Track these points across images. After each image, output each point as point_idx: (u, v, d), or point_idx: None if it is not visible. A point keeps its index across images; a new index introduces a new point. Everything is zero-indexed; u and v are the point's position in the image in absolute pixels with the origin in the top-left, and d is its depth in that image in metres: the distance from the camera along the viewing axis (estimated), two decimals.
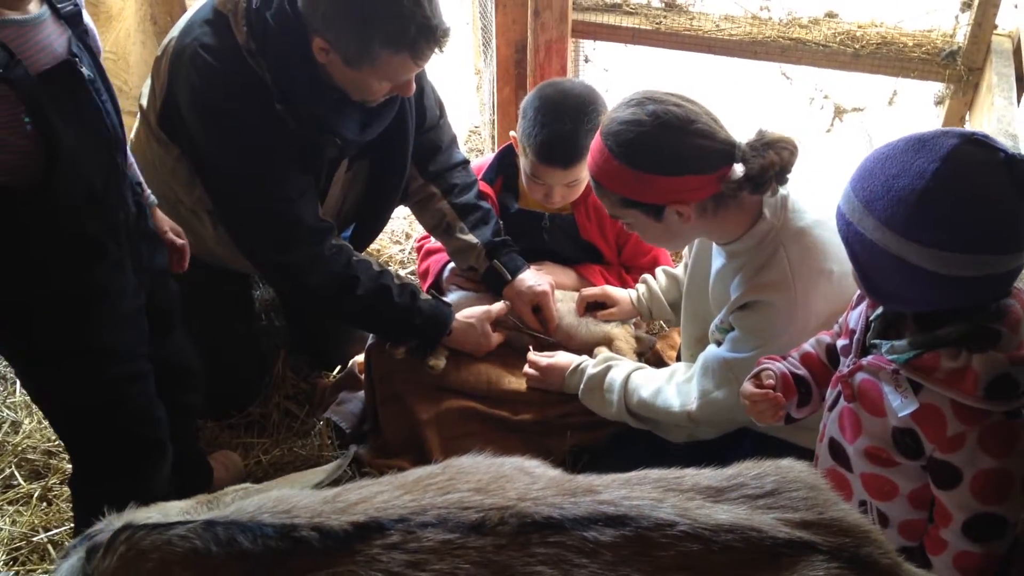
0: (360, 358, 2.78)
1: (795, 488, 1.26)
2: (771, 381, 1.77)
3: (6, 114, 1.67)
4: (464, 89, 4.65)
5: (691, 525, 1.17)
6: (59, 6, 1.77)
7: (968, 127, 3.15)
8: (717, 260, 2.12)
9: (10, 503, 2.54)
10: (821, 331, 1.91)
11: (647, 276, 2.64)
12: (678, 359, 2.52)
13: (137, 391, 2.07)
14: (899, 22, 3.26)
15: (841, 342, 1.74)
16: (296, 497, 1.31)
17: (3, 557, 2.39)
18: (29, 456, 2.67)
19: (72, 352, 1.95)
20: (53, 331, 1.92)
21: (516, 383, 2.53)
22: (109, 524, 1.44)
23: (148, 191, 2.15)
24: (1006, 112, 2.71)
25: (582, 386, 2.38)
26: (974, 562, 1.54)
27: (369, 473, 2.53)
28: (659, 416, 2.24)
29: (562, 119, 2.45)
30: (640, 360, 2.56)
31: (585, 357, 2.46)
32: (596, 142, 1.97)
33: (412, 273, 3.32)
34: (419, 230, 3.39)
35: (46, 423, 2.76)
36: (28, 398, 2.84)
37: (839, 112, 3.42)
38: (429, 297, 2.50)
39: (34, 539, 2.43)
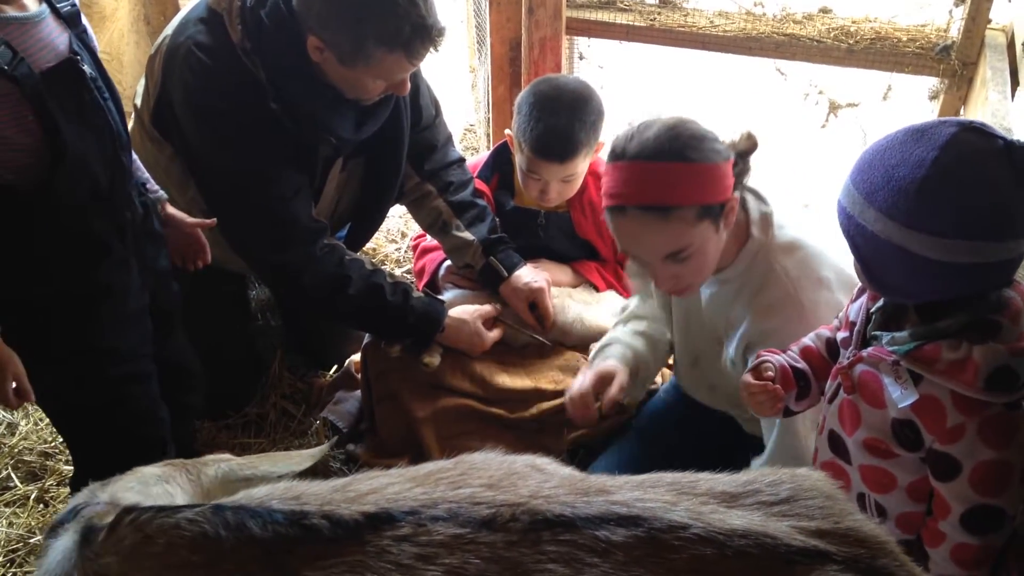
0: (356, 357, 2.78)
1: (811, 496, 1.24)
2: (770, 374, 1.76)
3: (11, 112, 1.68)
4: (459, 87, 4.65)
5: (705, 529, 1.16)
6: (58, 6, 1.77)
7: None
8: (705, 290, 2.06)
9: (7, 505, 2.53)
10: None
11: (612, 349, 2.33)
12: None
13: (140, 391, 2.07)
14: (893, 17, 3.26)
15: (841, 335, 1.75)
16: (305, 485, 1.31)
17: (0, 559, 2.38)
18: (26, 458, 2.67)
19: (76, 351, 1.95)
20: (57, 330, 1.92)
21: (512, 381, 2.53)
22: (94, 497, 1.43)
23: (155, 186, 2.14)
24: (1000, 106, 2.71)
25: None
26: (970, 554, 1.55)
27: None
28: None
29: (558, 113, 2.45)
30: None
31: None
32: (638, 170, 1.78)
33: (408, 272, 3.31)
34: (415, 229, 3.39)
35: (42, 425, 2.75)
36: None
37: (834, 108, 3.42)
38: (422, 295, 2.49)
39: (31, 541, 2.42)
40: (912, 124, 1.48)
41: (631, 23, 3.28)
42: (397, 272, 3.33)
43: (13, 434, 2.74)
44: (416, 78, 2.51)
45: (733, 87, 4.23)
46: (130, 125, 2.46)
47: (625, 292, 2.74)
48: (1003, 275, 1.46)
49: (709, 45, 3.25)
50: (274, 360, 2.91)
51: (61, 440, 2.70)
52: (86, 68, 1.78)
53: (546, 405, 2.48)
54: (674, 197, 1.78)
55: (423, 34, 2.09)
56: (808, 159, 3.86)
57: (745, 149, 1.92)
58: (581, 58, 3.53)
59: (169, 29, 2.28)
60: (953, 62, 3.05)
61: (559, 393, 2.45)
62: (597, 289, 2.74)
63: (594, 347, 2.51)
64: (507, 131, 2.64)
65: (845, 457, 1.67)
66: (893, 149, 1.46)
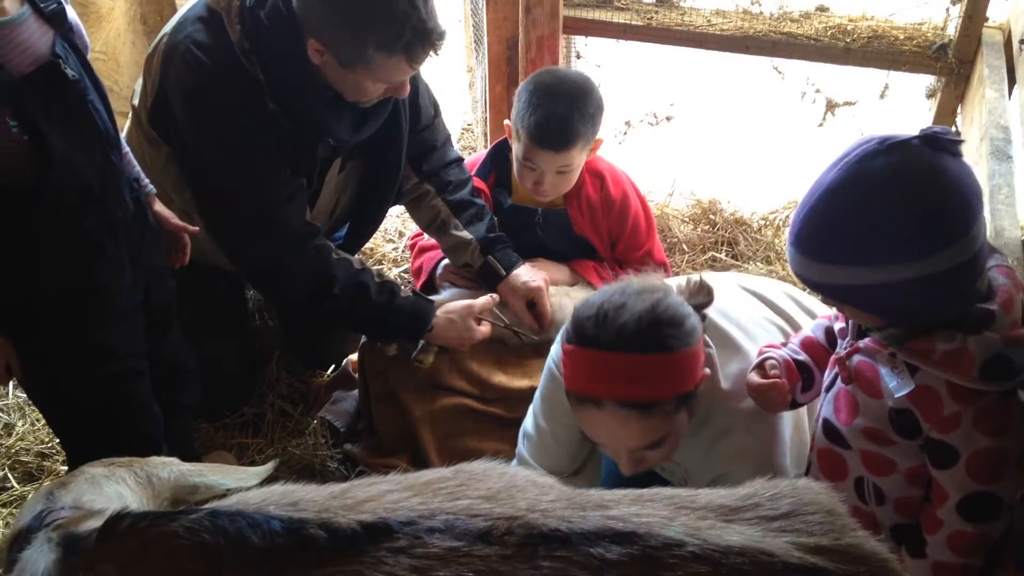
0: (354, 357, 2.78)
1: (811, 511, 1.22)
2: (776, 371, 1.77)
3: None
4: (456, 87, 4.65)
5: (700, 546, 1.14)
6: (41, 5, 1.74)
7: (960, 119, 3.16)
8: None
9: (3, 505, 2.53)
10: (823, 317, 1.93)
11: None
12: None
13: (133, 389, 2.06)
14: (890, 15, 3.27)
15: (838, 325, 1.76)
16: (303, 490, 1.30)
17: None
18: (22, 458, 2.66)
19: (68, 349, 1.94)
20: (50, 328, 1.92)
21: (509, 380, 2.53)
22: (54, 500, 1.41)
23: (147, 182, 2.13)
24: (997, 104, 2.71)
25: None
26: (966, 541, 1.56)
27: (364, 472, 2.53)
28: None
29: (557, 101, 2.45)
30: None
31: None
32: (617, 362, 1.62)
33: (405, 271, 3.31)
34: (412, 228, 3.39)
35: (39, 425, 2.75)
36: (21, 400, 2.83)
37: (831, 106, 3.42)
38: (410, 295, 2.48)
39: None
40: (823, 177, 1.48)
41: (628, 22, 3.28)
42: (394, 272, 3.33)
43: (10, 434, 2.74)
44: (415, 79, 2.51)
45: (730, 86, 4.23)
46: (127, 125, 2.46)
47: None
48: (975, 268, 1.46)
49: (706, 44, 3.26)
50: (271, 360, 2.91)
51: (58, 440, 2.70)
52: (68, 71, 1.75)
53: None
54: (658, 392, 1.64)
55: (424, 38, 2.08)
56: (805, 158, 3.86)
57: (702, 303, 1.76)
58: (578, 57, 3.53)
59: (167, 28, 2.28)
60: (950, 60, 3.05)
61: None
62: (594, 287, 2.73)
63: None
64: (506, 121, 2.63)
65: (842, 443, 1.68)
66: (827, 206, 1.46)
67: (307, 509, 1.23)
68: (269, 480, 1.67)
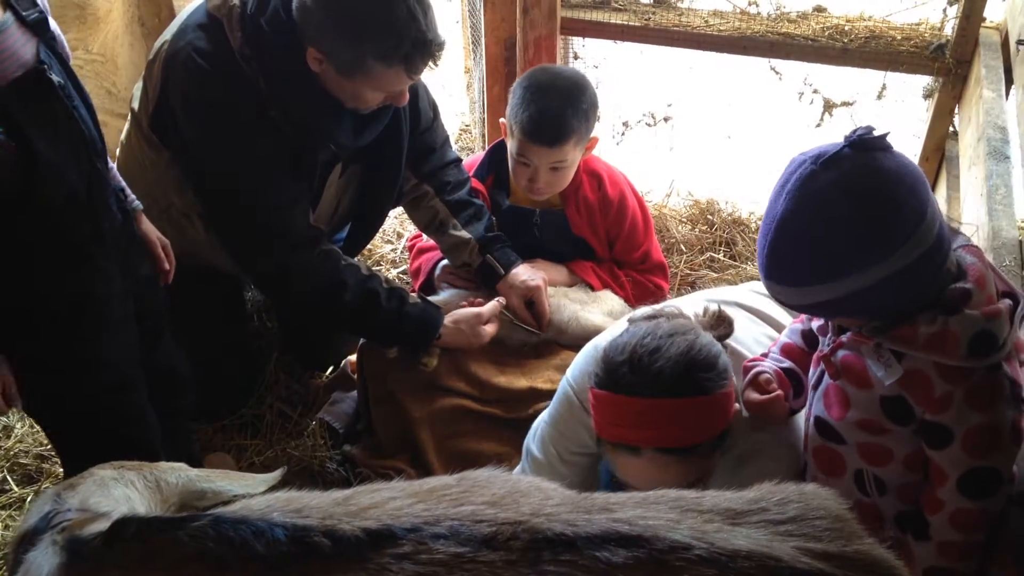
0: (353, 358, 2.78)
1: (819, 516, 1.21)
2: (774, 385, 1.78)
3: None
4: (455, 88, 4.65)
5: (707, 549, 1.13)
6: (24, 13, 1.72)
7: (957, 120, 3.17)
8: None
9: (2, 507, 2.53)
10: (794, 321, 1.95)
11: None
12: None
13: (127, 398, 2.05)
14: (887, 16, 3.27)
15: (816, 323, 1.77)
16: (307, 497, 1.29)
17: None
18: (21, 460, 2.66)
19: (62, 360, 1.94)
20: (43, 339, 1.91)
21: (508, 381, 2.53)
22: (61, 502, 1.41)
23: (132, 196, 2.13)
24: (994, 105, 2.72)
25: None
26: (970, 519, 1.57)
27: (363, 473, 2.53)
28: None
29: (550, 97, 2.46)
30: None
31: None
32: (657, 409, 1.60)
33: (404, 272, 3.31)
34: (411, 229, 3.39)
35: (38, 428, 2.75)
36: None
37: (828, 106, 3.43)
38: (418, 301, 2.49)
39: None
40: (778, 208, 1.50)
41: (626, 23, 3.29)
42: (393, 272, 3.33)
43: (9, 437, 2.74)
44: (414, 83, 2.51)
45: (728, 87, 4.24)
46: (126, 128, 2.46)
47: (620, 290, 2.74)
48: (942, 247, 1.49)
49: (704, 44, 3.26)
50: (270, 361, 2.91)
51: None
52: (54, 77, 1.74)
53: (542, 405, 2.46)
54: (697, 436, 1.63)
55: (423, 49, 2.09)
56: None
57: (723, 335, 1.77)
58: (576, 58, 3.54)
59: (168, 34, 2.28)
60: (947, 60, 3.05)
61: (555, 391, 2.45)
62: (593, 288, 2.74)
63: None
64: (501, 119, 2.64)
65: (836, 439, 1.69)
66: (785, 235, 1.49)
67: (311, 516, 1.22)
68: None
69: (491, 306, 2.55)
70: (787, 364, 1.84)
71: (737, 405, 1.81)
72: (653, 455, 1.63)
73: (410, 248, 3.00)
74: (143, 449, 2.10)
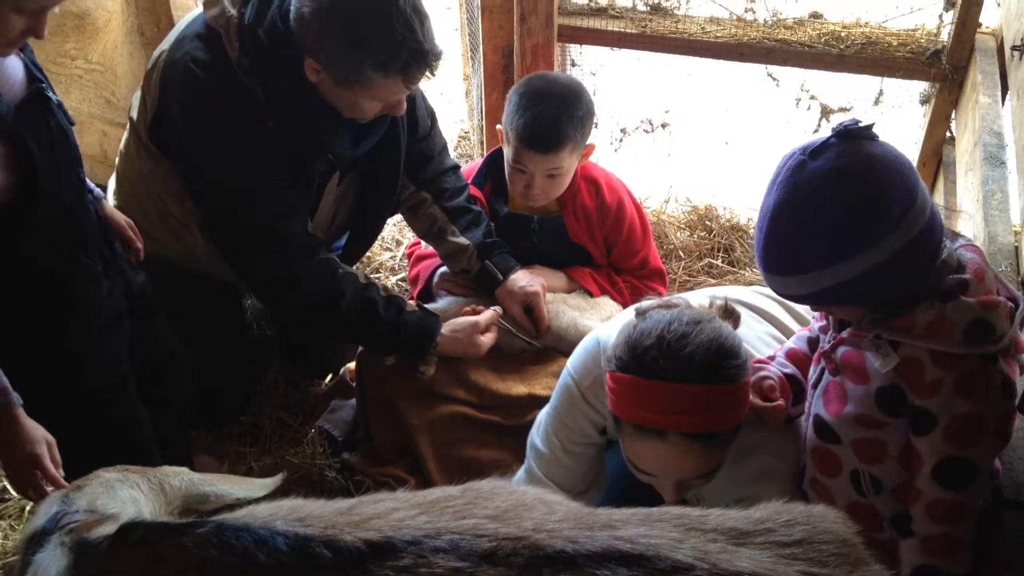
0: (352, 366, 2.78)
1: (826, 540, 1.20)
2: (776, 393, 1.79)
3: None
4: (453, 95, 4.66)
5: (709, 571, 1.11)
6: None
7: (953, 125, 3.17)
8: None
9: (2, 518, 2.53)
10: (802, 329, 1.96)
11: None
12: None
13: (119, 396, 2.08)
14: (884, 22, 3.28)
15: (819, 324, 1.80)
16: (310, 506, 1.30)
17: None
18: None
19: (55, 361, 1.96)
20: (36, 342, 1.93)
21: (507, 387, 2.53)
22: (69, 503, 1.42)
23: (91, 185, 2.11)
24: (991, 110, 2.73)
25: None
26: (944, 510, 1.57)
27: (362, 481, 2.53)
28: None
29: (545, 104, 2.46)
30: None
31: None
32: (687, 394, 1.61)
33: (402, 280, 3.32)
34: (409, 237, 3.40)
35: None
36: None
37: (826, 112, 3.44)
38: (416, 309, 2.49)
39: None
40: (770, 200, 1.54)
41: (623, 30, 3.29)
42: (392, 280, 3.33)
43: None
44: (412, 91, 2.52)
45: (725, 93, 4.25)
46: (125, 136, 2.47)
47: (619, 296, 2.75)
48: (935, 228, 1.51)
49: (700, 51, 3.27)
50: (269, 369, 2.91)
51: None
52: (51, 95, 1.77)
53: (541, 412, 2.48)
54: (724, 423, 1.65)
55: (420, 59, 2.09)
56: None
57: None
58: (573, 65, 3.54)
59: (166, 44, 2.29)
60: (944, 66, 3.06)
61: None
62: (591, 295, 2.74)
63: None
64: (498, 126, 2.65)
65: (832, 439, 1.70)
66: (777, 227, 1.53)
67: (313, 525, 1.22)
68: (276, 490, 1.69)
69: (488, 315, 2.55)
70: (791, 370, 1.85)
71: None
72: (678, 439, 1.64)
73: (409, 255, 3.01)
74: (134, 447, 2.12)
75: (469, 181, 2.78)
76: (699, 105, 4.23)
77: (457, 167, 2.76)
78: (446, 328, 2.49)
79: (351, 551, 1.18)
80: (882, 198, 1.46)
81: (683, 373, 1.60)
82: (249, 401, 2.82)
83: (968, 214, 2.43)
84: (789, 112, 3.62)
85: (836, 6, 3.39)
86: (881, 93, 3.32)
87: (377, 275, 3.36)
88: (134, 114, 2.40)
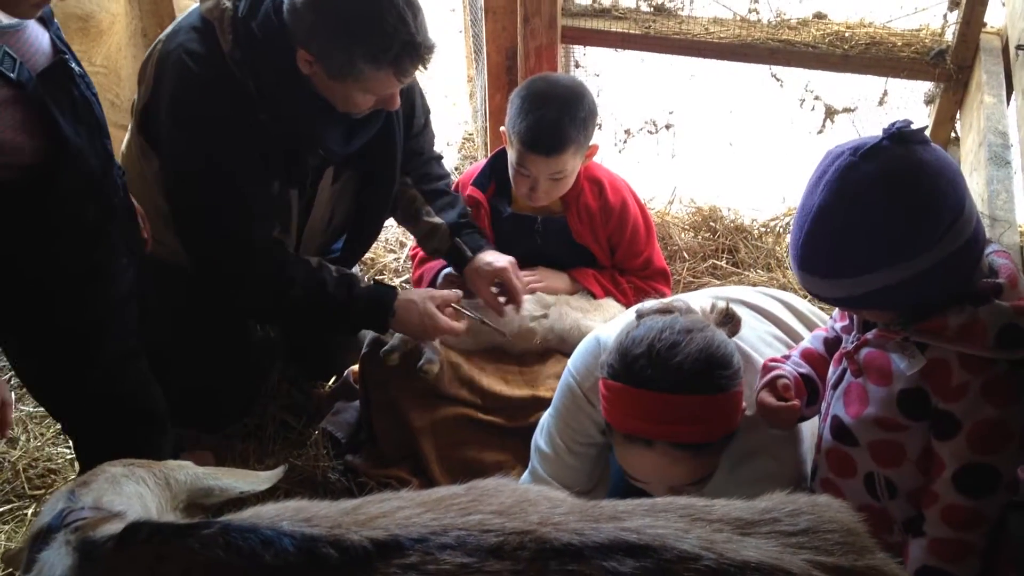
0: (355, 367, 2.78)
1: (831, 530, 1.20)
2: (791, 393, 1.77)
3: (20, 117, 1.74)
4: (457, 97, 4.66)
5: (716, 560, 1.12)
6: None
7: (958, 125, 3.16)
8: None
9: (5, 522, 2.53)
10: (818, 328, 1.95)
11: None
12: None
13: (135, 367, 2.15)
14: (888, 22, 3.27)
15: (841, 324, 1.77)
16: (316, 506, 1.30)
17: (1, 574, 2.38)
18: (28, 473, 2.66)
19: (74, 331, 2.02)
20: (58, 312, 1.98)
21: (510, 389, 2.53)
22: (75, 499, 1.42)
23: (124, 169, 2.18)
24: (996, 110, 2.71)
25: None
26: (960, 516, 1.56)
27: (366, 483, 2.53)
28: None
29: (547, 106, 2.46)
30: None
31: None
32: (674, 404, 1.61)
33: (406, 282, 3.32)
34: (413, 239, 3.39)
35: (43, 441, 2.75)
36: (23, 414, 2.83)
37: (830, 113, 3.43)
38: (370, 284, 2.45)
39: None
40: (817, 199, 1.50)
41: (626, 31, 3.29)
42: (396, 282, 3.33)
43: (15, 447, 2.74)
44: (410, 86, 2.51)
45: (729, 94, 4.24)
46: (126, 136, 2.47)
47: (622, 298, 2.74)
48: (979, 239, 1.49)
49: (704, 52, 3.26)
50: (273, 371, 2.91)
51: (59, 454, 2.71)
52: (74, 65, 1.84)
53: (544, 413, 2.47)
54: (712, 432, 1.65)
55: (412, 52, 2.09)
56: (805, 165, 3.86)
57: (729, 334, 1.76)
58: (577, 66, 3.54)
59: (163, 35, 2.29)
60: (948, 66, 3.05)
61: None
62: (595, 296, 2.74)
63: None
64: (501, 128, 2.65)
65: (849, 441, 1.67)
66: (820, 229, 1.49)
67: (320, 525, 1.23)
68: (274, 490, 1.69)
69: (448, 293, 2.50)
70: (806, 370, 1.84)
71: (748, 410, 1.81)
72: (666, 448, 1.64)
73: (413, 257, 3.00)
74: (151, 416, 2.20)
75: (472, 182, 2.78)
76: (703, 106, 4.22)
77: (441, 157, 2.78)
78: (401, 296, 2.44)
79: (358, 550, 1.18)
80: (933, 207, 1.43)
81: (671, 383, 1.60)
82: (252, 403, 2.82)
83: (999, 244, 2.42)
84: (793, 113, 3.61)
85: (840, 6, 3.38)
86: (885, 93, 3.31)
87: (381, 277, 3.36)
88: (133, 110, 2.41)
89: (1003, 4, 3.16)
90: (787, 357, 1.89)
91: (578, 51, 3.51)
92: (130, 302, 2.12)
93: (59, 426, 2.75)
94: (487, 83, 3.46)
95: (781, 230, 3.53)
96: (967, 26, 2.99)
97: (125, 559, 1.27)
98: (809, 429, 1.89)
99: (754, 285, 3.09)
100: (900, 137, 1.44)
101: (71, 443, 2.62)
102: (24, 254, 1.89)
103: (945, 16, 3.13)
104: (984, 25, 3.03)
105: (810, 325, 2.10)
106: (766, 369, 1.84)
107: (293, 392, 2.91)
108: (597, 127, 2.64)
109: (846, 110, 3.40)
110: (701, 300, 1.90)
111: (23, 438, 2.77)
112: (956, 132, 3.20)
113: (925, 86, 3.22)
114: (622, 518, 1.20)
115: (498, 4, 3.22)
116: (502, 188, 2.78)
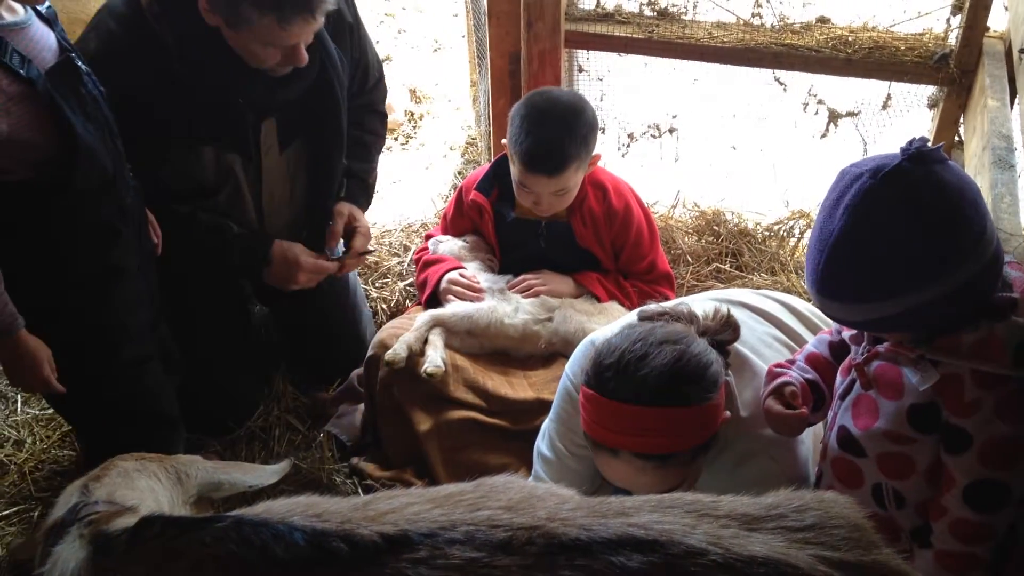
0: (360, 370, 2.79)
1: (837, 525, 1.21)
2: (799, 400, 1.76)
3: (28, 114, 1.77)
4: (461, 101, 4.67)
5: (723, 555, 1.13)
6: (39, 7, 1.88)
7: (962, 129, 3.16)
8: None
9: (12, 524, 2.53)
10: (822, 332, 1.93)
11: None
12: None
13: (148, 370, 2.17)
14: (891, 26, 3.27)
15: (848, 332, 1.76)
16: (326, 502, 1.32)
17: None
18: (34, 475, 2.67)
19: (91, 331, 2.05)
20: (75, 312, 2.01)
21: (515, 392, 2.53)
22: (88, 494, 1.43)
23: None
24: (999, 114, 2.71)
25: None
26: (969, 530, 1.55)
27: (371, 485, 2.53)
28: None
29: (548, 126, 2.46)
30: None
31: None
32: (635, 416, 1.63)
33: (410, 285, 3.32)
34: (417, 243, 3.40)
35: (48, 443, 2.76)
36: (29, 417, 2.84)
37: (833, 117, 3.42)
38: (245, 232, 2.50)
39: None
40: (837, 223, 1.47)
41: (630, 35, 3.29)
42: (400, 285, 3.34)
43: (21, 450, 2.75)
44: (362, 40, 2.57)
45: (732, 98, 4.25)
46: None
47: (626, 301, 2.74)
48: (999, 259, 1.48)
49: (708, 56, 3.26)
50: (278, 374, 2.91)
51: (65, 456, 2.71)
52: (81, 64, 1.88)
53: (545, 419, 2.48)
54: (674, 445, 1.65)
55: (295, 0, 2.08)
56: (808, 169, 3.87)
57: (728, 340, 1.78)
58: (580, 71, 3.54)
59: None
60: (952, 70, 3.05)
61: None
62: (599, 300, 2.74)
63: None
64: (503, 140, 2.65)
65: (856, 452, 1.67)
66: (840, 252, 1.46)
67: (330, 520, 1.24)
68: (279, 494, 1.69)
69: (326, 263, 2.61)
70: (811, 376, 1.83)
71: (744, 412, 1.81)
72: (630, 458, 1.66)
73: (416, 260, 3.01)
74: (164, 418, 2.22)
75: (475, 187, 2.78)
76: (706, 110, 4.23)
77: (386, 115, 2.85)
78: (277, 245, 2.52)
79: (368, 545, 1.19)
80: (956, 231, 1.41)
81: (633, 395, 1.62)
82: (258, 406, 2.82)
83: (1011, 255, 2.42)
84: (796, 117, 3.62)
85: (843, 11, 3.38)
86: (889, 97, 3.31)
87: (385, 280, 3.37)
88: None
89: (1006, 8, 3.16)
90: (792, 362, 1.88)
91: (581, 56, 3.52)
92: (145, 305, 2.15)
93: (65, 428, 2.76)
94: (491, 88, 3.47)
95: (785, 234, 3.53)
96: (970, 30, 2.99)
97: (137, 552, 1.29)
98: (810, 432, 1.89)
99: (757, 288, 3.08)
100: (919, 157, 1.42)
101: (80, 447, 2.63)
102: (42, 255, 1.92)
103: (948, 20, 3.13)
104: (987, 29, 3.04)
105: (810, 326, 2.10)
106: (771, 375, 1.83)
107: (298, 395, 2.91)
108: (600, 131, 2.64)
109: (849, 114, 3.40)
110: (701, 303, 1.90)
111: (29, 440, 2.78)
112: (960, 136, 3.20)
113: (928, 90, 3.22)
114: (629, 514, 1.22)
115: (501, 9, 3.23)
116: (505, 193, 2.79)
